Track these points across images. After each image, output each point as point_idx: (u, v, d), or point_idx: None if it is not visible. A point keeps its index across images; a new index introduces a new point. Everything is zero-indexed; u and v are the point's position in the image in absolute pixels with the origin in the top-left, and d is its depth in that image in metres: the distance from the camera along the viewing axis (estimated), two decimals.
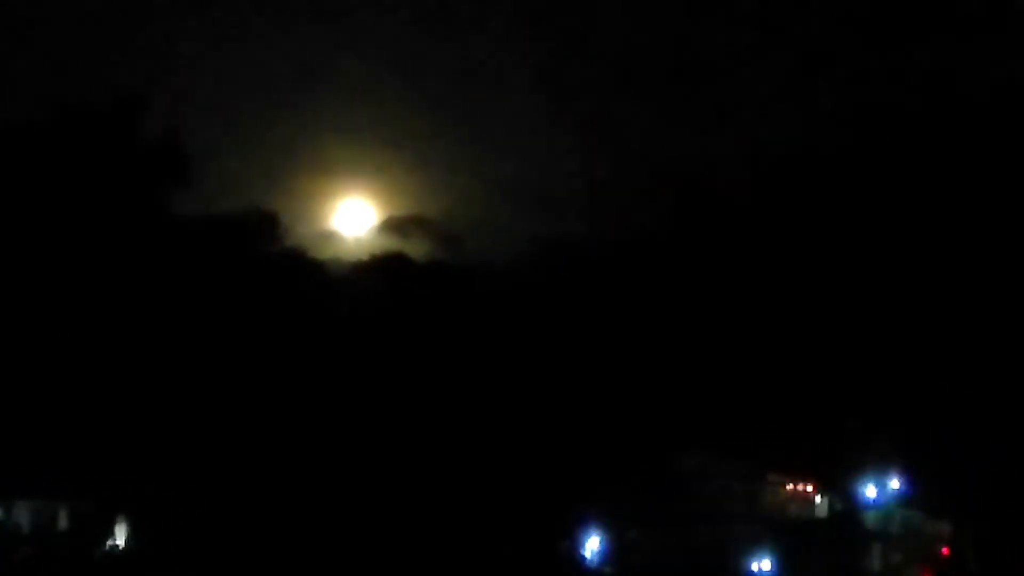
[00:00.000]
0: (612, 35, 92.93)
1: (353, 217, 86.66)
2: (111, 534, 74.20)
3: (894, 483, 79.69)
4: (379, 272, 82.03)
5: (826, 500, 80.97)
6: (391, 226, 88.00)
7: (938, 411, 76.03)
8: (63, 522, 74.14)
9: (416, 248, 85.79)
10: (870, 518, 79.80)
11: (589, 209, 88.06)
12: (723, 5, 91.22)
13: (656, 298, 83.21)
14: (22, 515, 73.62)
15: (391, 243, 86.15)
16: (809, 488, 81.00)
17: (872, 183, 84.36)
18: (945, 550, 77.96)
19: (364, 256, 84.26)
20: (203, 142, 79.89)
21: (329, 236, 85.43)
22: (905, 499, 79.71)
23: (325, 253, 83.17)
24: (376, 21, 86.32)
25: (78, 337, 74.10)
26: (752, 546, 77.34)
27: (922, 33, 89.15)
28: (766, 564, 77.06)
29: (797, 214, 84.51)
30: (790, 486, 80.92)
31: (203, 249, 77.95)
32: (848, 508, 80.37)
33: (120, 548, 74.19)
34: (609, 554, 77.13)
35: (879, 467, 79.09)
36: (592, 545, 76.82)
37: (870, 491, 79.90)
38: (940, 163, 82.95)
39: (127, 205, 77.61)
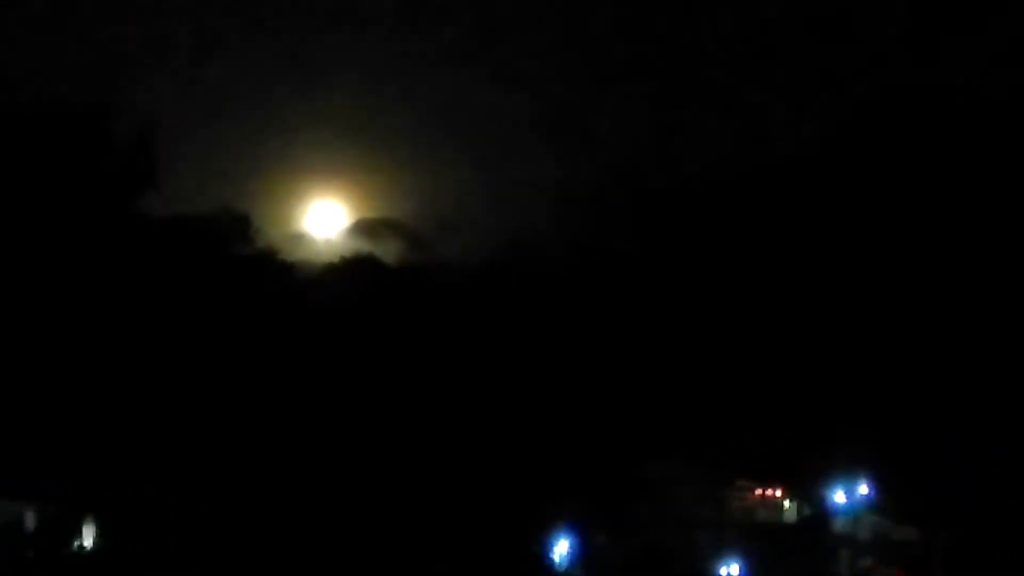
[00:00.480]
0: (584, 38, 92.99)
1: (324, 219, 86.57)
2: (78, 535, 73.82)
3: (862, 488, 79.95)
4: (350, 274, 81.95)
5: (795, 505, 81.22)
6: (362, 228, 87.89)
7: (906, 417, 76.35)
8: (30, 523, 73.74)
9: (387, 250, 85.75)
10: (838, 523, 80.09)
11: (560, 212, 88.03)
12: (704, 11, 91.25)
13: (626, 302, 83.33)
14: None
15: (362, 245, 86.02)
16: (778, 493, 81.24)
17: (845, 188, 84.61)
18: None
19: (335, 258, 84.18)
20: (174, 143, 79.73)
21: (300, 238, 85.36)
22: (873, 504, 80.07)
23: (296, 255, 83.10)
24: (348, 23, 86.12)
25: (46, 338, 73.73)
26: (721, 551, 77.55)
27: (908, 37, 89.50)
28: (735, 569, 77.24)
29: (764, 221, 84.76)
30: (759, 491, 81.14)
31: (174, 250, 77.72)
32: (816, 513, 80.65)
33: (88, 549, 73.82)
34: (578, 558, 77.09)
35: (847, 472, 79.37)
36: (561, 549, 76.73)
37: (838, 496, 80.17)
38: (916, 166, 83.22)
39: (98, 206, 77.33)
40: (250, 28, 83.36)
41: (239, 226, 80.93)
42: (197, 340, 75.21)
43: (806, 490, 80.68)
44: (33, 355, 72.65)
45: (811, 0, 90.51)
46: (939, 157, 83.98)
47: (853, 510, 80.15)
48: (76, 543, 73.66)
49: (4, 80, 77.43)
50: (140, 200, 79.12)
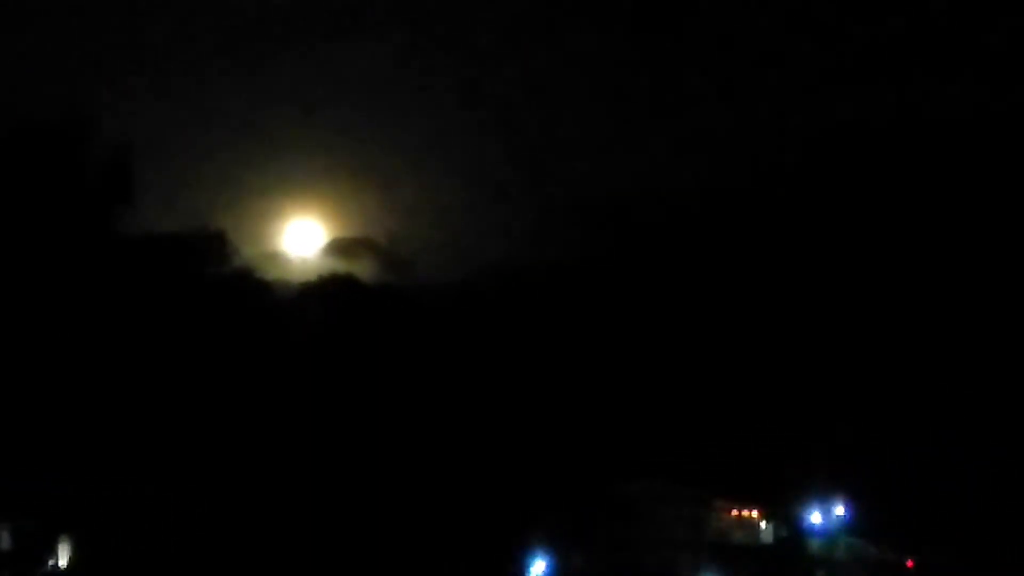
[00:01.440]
0: (563, 65, 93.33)
1: (301, 238, 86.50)
2: (53, 554, 73.50)
3: (838, 510, 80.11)
4: (327, 293, 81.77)
5: (771, 526, 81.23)
6: (338, 248, 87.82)
7: (882, 439, 76.64)
8: (5, 542, 73.43)
9: (362, 269, 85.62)
10: (814, 544, 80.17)
11: (536, 231, 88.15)
12: (682, 37, 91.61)
13: (602, 323, 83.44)
14: None
15: (337, 264, 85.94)
16: (754, 514, 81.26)
17: (823, 205, 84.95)
18: (910, 563, 78.10)
19: (312, 277, 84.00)
20: (151, 161, 79.58)
21: (277, 256, 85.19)
22: (849, 526, 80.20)
23: (273, 273, 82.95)
24: (330, 45, 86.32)
25: (22, 356, 73.42)
26: (697, 571, 77.55)
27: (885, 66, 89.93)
28: None
29: (738, 241, 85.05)
30: (735, 512, 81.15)
31: (150, 268, 77.46)
32: (793, 534, 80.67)
33: (62, 568, 73.52)
34: None
35: (824, 494, 79.54)
36: (537, 569, 76.58)
37: (815, 518, 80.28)
38: (898, 177, 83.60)
39: (74, 223, 77.01)
40: (228, 47, 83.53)
41: (216, 244, 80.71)
42: (174, 359, 74.98)
43: (783, 511, 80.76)
44: (9, 372, 72.34)
45: (795, 12, 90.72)
46: (922, 169, 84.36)
47: (829, 531, 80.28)
48: (51, 562, 73.42)
49: None
50: (116, 218, 78.70)
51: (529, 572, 76.60)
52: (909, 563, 77.71)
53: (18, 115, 76.48)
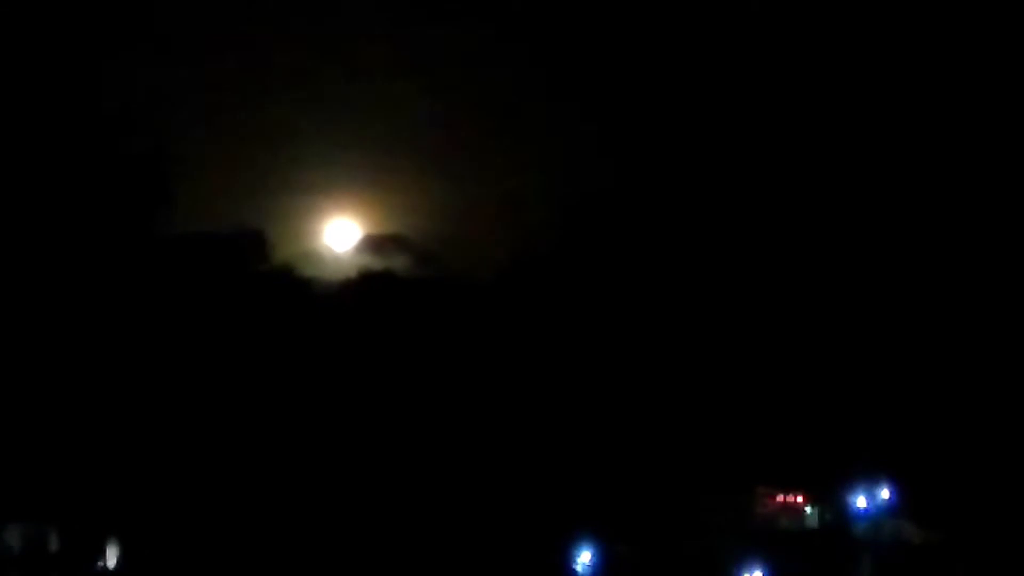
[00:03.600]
0: (588, 52, 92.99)
1: (338, 235, 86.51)
2: (101, 556, 73.88)
3: (884, 493, 79.89)
4: (367, 290, 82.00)
5: (816, 511, 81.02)
6: (371, 245, 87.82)
7: (929, 421, 76.43)
8: (52, 544, 73.87)
9: (396, 266, 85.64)
10: (860, 529, 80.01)
11: (569, 226, 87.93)
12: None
13: (638, 311, 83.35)
14: (12, 537, 73.35)
15: (372, 261, 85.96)
16: (799, 499, 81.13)
17: (856, 193, 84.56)
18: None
19: (349, 274, 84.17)
20: (189, 160, 79.64)
21: (314, 254, 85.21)
22: (895, 509, 79.99)
23: (311, 271, 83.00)
24: (364, 43, 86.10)
25: (65, 358, 73.92)
26: (742, 558, 77.41)
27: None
28: (757, 575, 77.25)
29: (779, 225, 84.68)
30: (780, 497, 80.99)
31: (190, 268, 77.82)
32: (838, 519, 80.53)
33: (110, 570, 73.91)
34: (600, 568, 77.10)
35: (869, 477, 79.33)
36: (583, 559, 76.78)
37: (860, 502, 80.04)
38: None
39: (112, 224, 77.42)
40: (265, 45, 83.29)
41: (255, 243, 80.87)
42: (216, 359, 75.41)
43: (828, 496, 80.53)
44: (55, 375, 72.84)
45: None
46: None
47: (875, 515, 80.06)
48: (99, 564, 73.82)
49: (17, 94, 77.55)
50: (155, 218, 78.96)
51: (575, 562, 76.86)
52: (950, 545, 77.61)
53: (58, 115, 76.87)
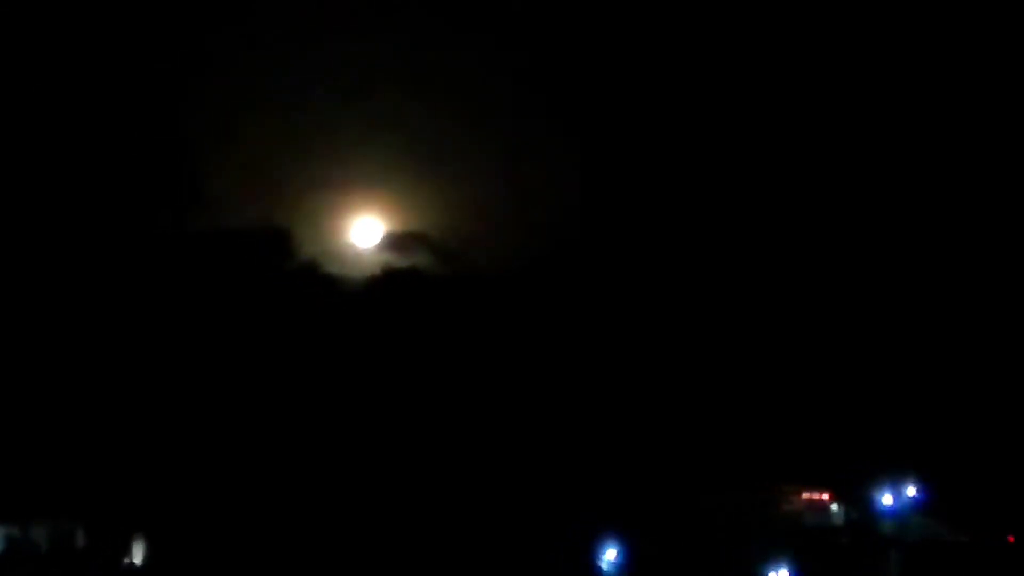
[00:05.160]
0: (608, 48, 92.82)
1: (363, 233, 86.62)
2: (128, 552, 73.99)
3: (910, 491, 79.60)
4: (392, 287, 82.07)
5: (842, 509, 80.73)
6: (393, 242, 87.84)
7: (955, 417, 76.18)
8: (80, 541, 74.01)
9: (418, 262, 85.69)
10: (887, 526, 79.68)
11: (590, 222, 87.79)
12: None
13: (660, 307, 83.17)
14: (40, 533, 73.53)
15: (395, 258, 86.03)
16: (825, 497, 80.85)
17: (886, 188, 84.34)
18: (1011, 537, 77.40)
19: (373, 271, 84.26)
20: (217, 159, 79.90)
21: (339, 252, 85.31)
22: (921, 507, 79.70)
23: (336, 268, 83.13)
24: (389, 41, 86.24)
25: (94, 356, 74.08)
26: (769, 555, 77.23)
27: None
28: (783, 573, 76.98)
29: (806, 224, 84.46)
30: (806, 495, 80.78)
31: (217, 265, 77.97)
32: (864, 517, 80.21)
33: (137, 566, 73.99)
34: (627, 565, 77.00)
35: (895, 475, 79.03)
36: (610, 556, 76.71)
37: (886, 499, 79.70)
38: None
39: (142, 221, 77.69)
40: (292, 43, 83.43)
41: (281, 240, 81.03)
42: (244, 355, 75.48)
43: (854, 493, 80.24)
44: (84, 373, 72.97)
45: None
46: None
47: (902, 513, 79.75)
48: (125, 560, 73.91)
49: (48, 94, 77.83)
50: (183, 216, 79.21)
51: (602, 559, 76.79)
52: (1010, 538, 77.17)
53: (86, 113, 77.13)
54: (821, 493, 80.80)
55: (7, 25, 78.45)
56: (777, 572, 76.95)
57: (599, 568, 76.70)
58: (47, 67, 78.52)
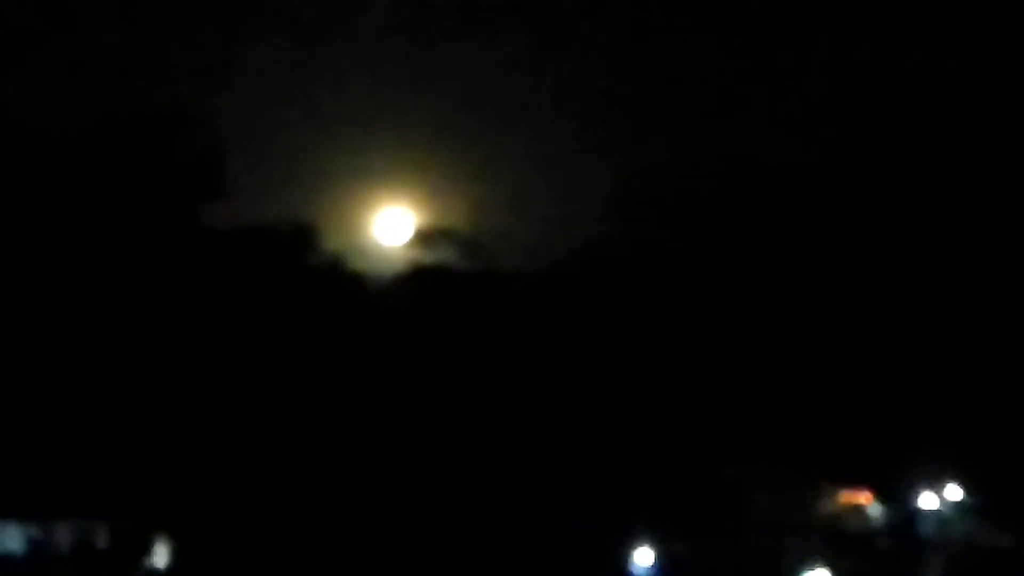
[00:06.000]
0: (638, 44, 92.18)
1: (390, 228, 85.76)
2: (150, 554, 73.11)
3: (953, 492, 78.72)
4: (419, 284, 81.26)
5: (882, 510, 79.75)
6: (421, 237, 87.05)
7: (1000, 416, 75.21)
8: (102, 541, 73.14)
9: (446, 259, 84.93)
10: (930, 528, 78.69)
11: (619, 217, 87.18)
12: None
13: (698, 305, 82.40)
14: (61, 534, 72.65)
15: (422, 254, 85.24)
16: (865, 498, 79.92)
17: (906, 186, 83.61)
18: None
19: (400, 267, 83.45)
20: (239, 152, 79.03)
21: (366, 247, 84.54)
22: (964, 508, 78.73)
23: (362, 264, 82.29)
24: (413, 32, 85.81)
25: (115, 354, 73.21)
26: (806, 557, 76.10)
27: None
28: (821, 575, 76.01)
29: (831, 219, 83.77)
30: (845, 496, 79.80)
31: (241, 261, 77.16)
32: (905, 518, 79.20)
33: (160, 568, 73.12)
34: (659, 567, 75.96)
35: (937, 476, 78.07)
36: (642, 558, 75.61)
37: (928, 501, 78.80)
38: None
39: (164, 217, 76.87)
40: (316, 36, 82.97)
41: (306, 235, 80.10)
42: (268, 352, 74.64)
43: (894, 494, 79.22)
44: (105, 371, 72.16)
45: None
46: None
47: (943, 515, 78.79)
48: (148, 562, 73.03)
49: (71, 87, 77.21)
50: (205, 210, 78.34)
51: (634, 560, 75.74)
52: None
53: (109, 108, 76.32)
54: (861, 493, 79.86)
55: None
56: (814, 574, 75.86)
57: (630, 571, 75.76)
58: (71, 52, 78.13)
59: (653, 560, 75.52)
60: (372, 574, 70.22)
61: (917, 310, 78.63)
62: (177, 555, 72.63)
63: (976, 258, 79.03)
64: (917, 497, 78.76)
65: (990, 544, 77.54)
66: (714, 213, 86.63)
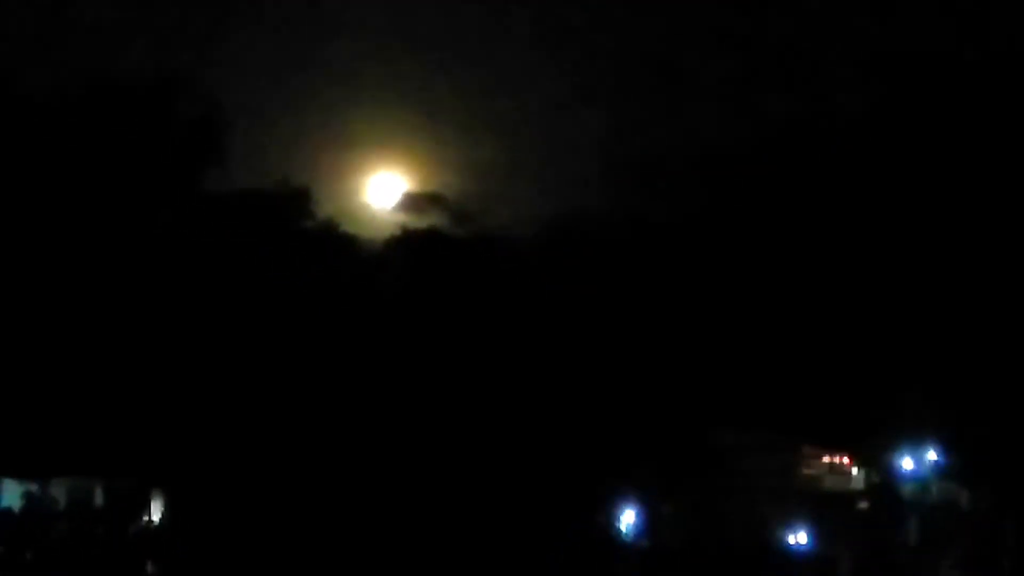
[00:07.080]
0: (633, 12, 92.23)
1: (382, 191, 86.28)
2: (147, 510, 74.02)
3: (931, 454, 79.58)
4: (411, 248, 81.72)
5: (863, 473, 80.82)
6: (411, 202, 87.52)
7: (978, 379, 75.81)
8: (99, 499, 74.06)
9: (436, 223, 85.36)
10: (907, 490, 79.70)
11: (612, 185, 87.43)
12: None
13: (683, 269, 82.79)
14: (58, 492, 73.59)
15: (412, 219, 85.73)
16: (845, 460, 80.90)
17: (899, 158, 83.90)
18: None
19: (391, 231, 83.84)
20: (234, 116, 79.35)
21: (358, 211, 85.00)
22: (943, 470, 79.65)
23: (354, 228, 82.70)
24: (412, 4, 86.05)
25: (111, 313, 73.79)
26: (788, 519, 77.38)
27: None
28: (802, 537, 77.14)
29: (810, 188, 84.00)
30: (826, 459, 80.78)
31: (236, 224, 77.64)
32: (885, 480, 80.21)
33: (155, 524, 74.05)
34: (644, 528, 77.07)
35: (916, 438, 78.92)
36: (627, 519, 76.73)
37: (907, 463, 79.70)
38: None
39: (161, 182, 77.30)
40: (309, 2, 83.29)
41: (300, 199, 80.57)
42: (262, 314, 75.24)
43: (874, 457, 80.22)
44: (100, 331, 72.77)
45: None
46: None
47: (922, 477, 79.74)
48: (144, 518, 73.94)
49: (68, 50, 77.46)
50: (200, 175, 78.76)
51: (618, 522, 76.79)
52: None
53: (107, 75, 76.62)
54: (841, 457, 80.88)
55: None
56: (796, 536, 77.13)
57: (617, 531, 76.81)
58: (71, 18, 78.31)
59: (639, 520, 76.76)
60: (362, 528, 71.26)
61: (896, 278, 79.08)
62: (171, 511, 73.70)
63: (953, 226, 79.24)
64: (897, 460, 79.81)
65: (968, 505, 78.87)
66: (703, 180, 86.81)
